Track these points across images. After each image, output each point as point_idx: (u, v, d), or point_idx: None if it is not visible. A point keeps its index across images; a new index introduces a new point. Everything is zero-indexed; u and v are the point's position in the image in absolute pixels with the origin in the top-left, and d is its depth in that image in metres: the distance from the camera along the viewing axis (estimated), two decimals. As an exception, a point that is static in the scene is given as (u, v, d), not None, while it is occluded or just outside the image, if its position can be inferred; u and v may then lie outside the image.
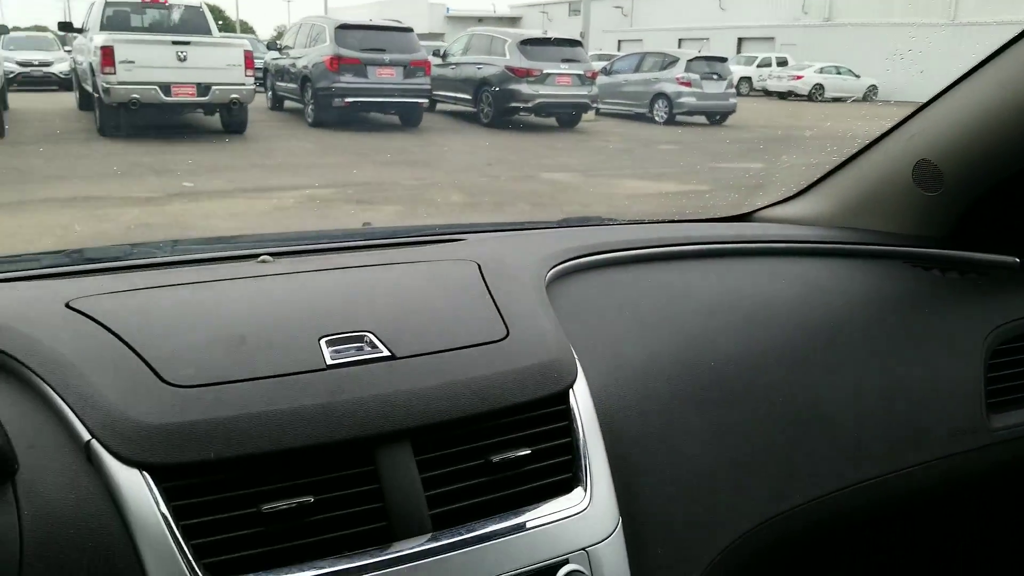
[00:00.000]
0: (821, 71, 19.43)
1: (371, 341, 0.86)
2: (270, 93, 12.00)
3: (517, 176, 8.08)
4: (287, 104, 11.67)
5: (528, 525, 0.79)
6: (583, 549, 0.80)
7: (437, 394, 0.81)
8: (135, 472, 0.70)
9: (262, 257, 1.10)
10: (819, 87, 19.12)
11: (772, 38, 25.44)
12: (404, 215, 6.31)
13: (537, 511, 0.80)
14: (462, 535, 0.76)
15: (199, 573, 0.69)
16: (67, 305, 0.88)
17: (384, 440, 0.77)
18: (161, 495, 0.70)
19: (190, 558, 0.69)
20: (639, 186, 7.78)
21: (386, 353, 0.84)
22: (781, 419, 1.06)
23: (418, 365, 0.84)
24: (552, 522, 0.80)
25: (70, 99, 11.07)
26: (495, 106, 11.44)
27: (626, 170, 8.79)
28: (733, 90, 13.91)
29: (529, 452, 0.82)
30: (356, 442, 0.76)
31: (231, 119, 9.35)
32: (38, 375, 0.78)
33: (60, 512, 0.69)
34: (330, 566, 0.72)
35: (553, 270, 1.11)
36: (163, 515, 0.70)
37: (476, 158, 9.32)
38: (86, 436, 0.72)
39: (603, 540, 0.82)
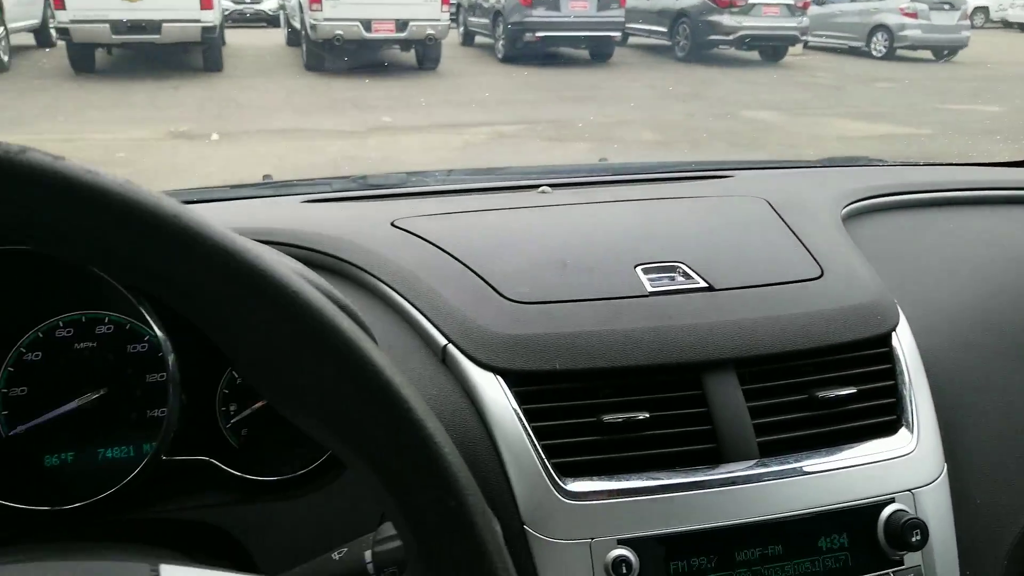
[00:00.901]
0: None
1: (684, 272, 0.89)
2: (462, 28, 12.05)
3: (714, 114, 7.58)
4: (478, 40, 11.69)
5: (854, 462, 0.79)
6: (909, 491, 0.79)
7: (760, 327, 0.82)
8: (489, 375, 0.77)
9: (541, 188, 1.16)
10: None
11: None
12: (594, 153, 6.12)
13: (861, 449, 0.80)
14: (789, 464, 0.77)
15: (551, 470, 0.74)
16: (392, 224, 0.96)
17: (711, 367, 0.79)
18: (516, 397, 0.75)
19: (542, 456, 0.74)
20: (851, 127, 7.05)
21: (703, 284, 0.87)
22: None
23: (738, 297, 0.86)
24: (877, 462, 0.79)
25: (278, 36, 11.70)
26: (692, 39, 10.80)
27: (837, 109, 7.99)
28: (967, 21, 12.26)
29: (854, 391, 0.81)
30: (686, 366, 0.79)
31: (425, 55, 9.51)
32: (387, 284, 0.87)
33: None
34: (666, 478, 0.75)
35: (845, 209, 1.09)
36: (518, 415, 0.75)
37: (670, 94, 8.85)
38: (443, 341, 0.81)
39: (929, 483, 0.81)
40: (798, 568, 0.76)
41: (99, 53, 8.88)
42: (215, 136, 6.39)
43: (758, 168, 1.40)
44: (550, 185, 1.18)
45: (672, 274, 0.89)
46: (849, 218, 1.09)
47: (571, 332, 0.79)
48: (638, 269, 0.89)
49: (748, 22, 10.59)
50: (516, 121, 7.00)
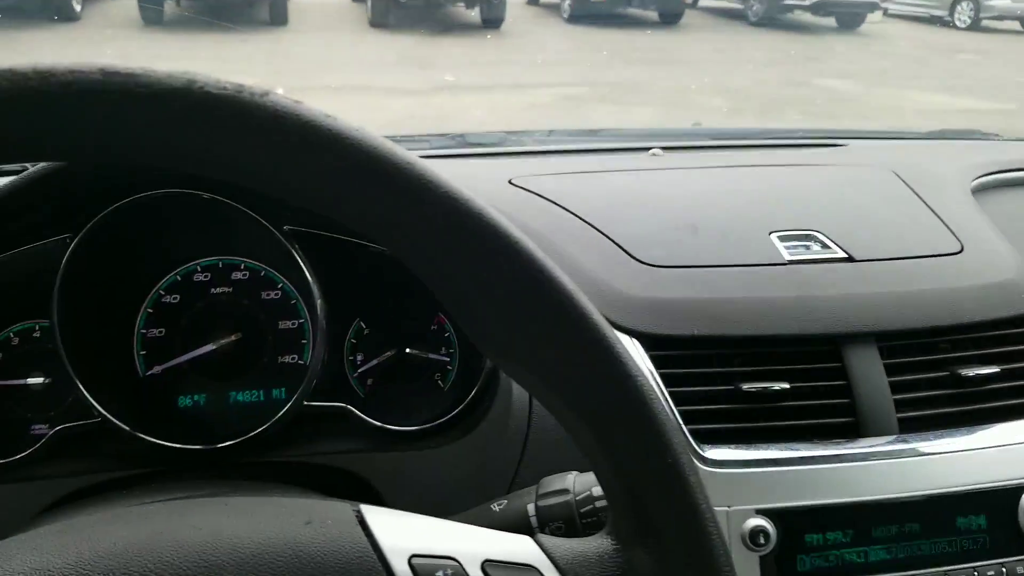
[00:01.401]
0: None
1: (822, 241, 0.88)
2: (528, -13, 11.86)
3: (786, 81, 7.35)
4: (543, -1, 11.49)
5: (995, 443, 0.77)
6: None
7: (903, 301, 0.81)
8: (624, 337, 0.75)
9: (653, 150, 1.15)
10: None
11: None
12: (660, 118, 5.99)
13: (1002, 430, 0.78)
14: (929, 441, 0.76)
15: (687, 436, 0.73)
16: (510, 182, 0.96)
17: (852, 339, 0.78)
18: (651, 361, 0.74)
19: (679, 421, 0.73)
20: (931, 100, 6.76)
21: (842, 254, 0.86)
22: None
23: (878, 269, 0.85)
24: (1019, 443, 0.77)
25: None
26: (766, 3, 10.44)
27: (916, 81, 7.67)
28: (1058, -11, 11.59)
29: (997, 371, 0.80)
30: (826, 337, 0.78)
31: (490, 14, 9.38)
32: None
33: None
34: (805, 450, 0.74)
35: (974, 183, 1.08)
36: (654, 379, 0.74)
37: (741, 59, 8.60)
38: None
39: None
40: (935, 547, 0.74)
41: (168, 5, 8.98)
42: (280, 91, 6.42)
43: (869, 138, 1.39)
44: (662, 148, 1.17)
45: (808, 243, 0.88)
46: (976, 192, 1.08)
47: (710, 298, 0.79)
48: (773, 236, 0.88)
49: (825, -14, 10.21)
50: (580, 83, 6.89)
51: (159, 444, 0.74)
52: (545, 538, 0.41)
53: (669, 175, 1.06)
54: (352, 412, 0.80)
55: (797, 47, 9.57)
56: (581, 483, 0.55)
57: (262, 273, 0.85)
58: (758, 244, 0.87)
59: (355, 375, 0.86)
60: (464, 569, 0.39)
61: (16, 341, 0.83)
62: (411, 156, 0.36)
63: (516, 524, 0.55)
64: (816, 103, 6.46)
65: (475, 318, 0.38)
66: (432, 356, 0.87)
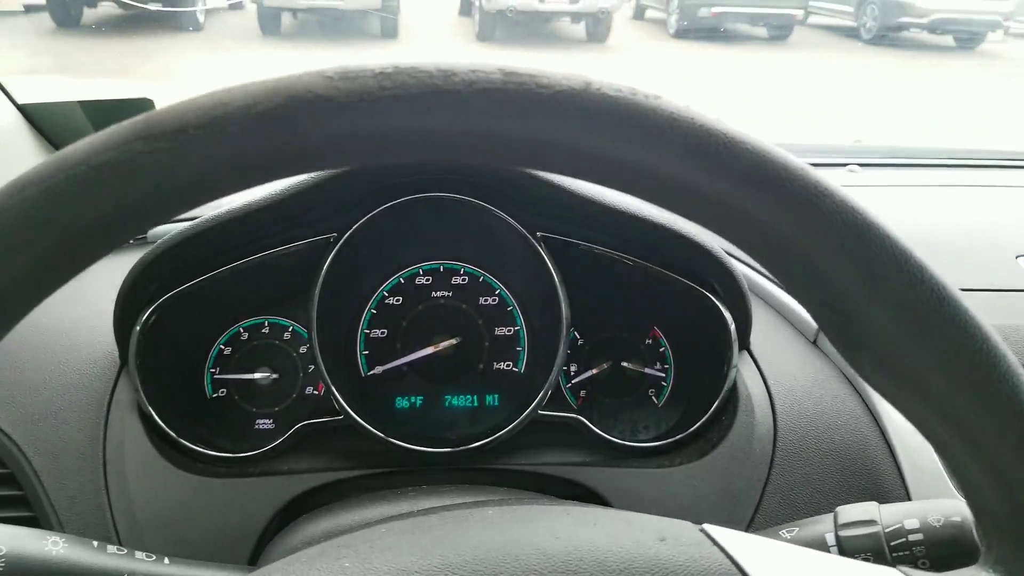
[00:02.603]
0: None
1: None
2: (633, 1, 11.81)
3: (908, 99, 7.07)
4: (648, 14, 11.41)
5: None
6: None
7: None
8: None
9: (850, 167, 1.15)
10: None
11: None
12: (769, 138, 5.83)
13: None
14: None
15: None
16: None
17: None
18: None
19: None
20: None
21: None
22: None
23: None
24: None
25: (453, 5, 11.89)
26: (880, 20, 10.08)
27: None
28: None
29: None
30: None
31: (596, 28, 9.39)
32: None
33: None
34: None
35: None
36: None
37: (853, 79, 8.32)
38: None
39: None
40: None
41: (285, 16, 9.36)
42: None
43: None
44: (859, 164, 1.15)
45: None
46: None
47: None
48: (1020, 260, 0.87)
49: (944, 4, 9.75)
50: (687, 100, 6.80)
51: (400, 445, 0.76)
52: (913, 571, 0.39)
53: (872, 192, 1.04)
54: (583, 424, 0.79)
55: (910, 64, 9.20)
56: (889, 514, 0.53)
57: (480, 279, 0.87)
58: (1004, 267, 0.84)
59: (567, 386, 0.86)
60: None
61: (245, 336, 0.86)
62: (802, 162, 0.35)
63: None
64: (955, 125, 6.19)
65: (866, 333, 0.37)
66: (648, 371, 0.86)
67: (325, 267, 0.76)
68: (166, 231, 0.76)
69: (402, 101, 0.30)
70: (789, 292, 0.37)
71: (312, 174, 0.71)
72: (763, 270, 0.86)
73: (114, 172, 0.29)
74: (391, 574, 0.37)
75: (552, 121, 0.33)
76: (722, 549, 0.39)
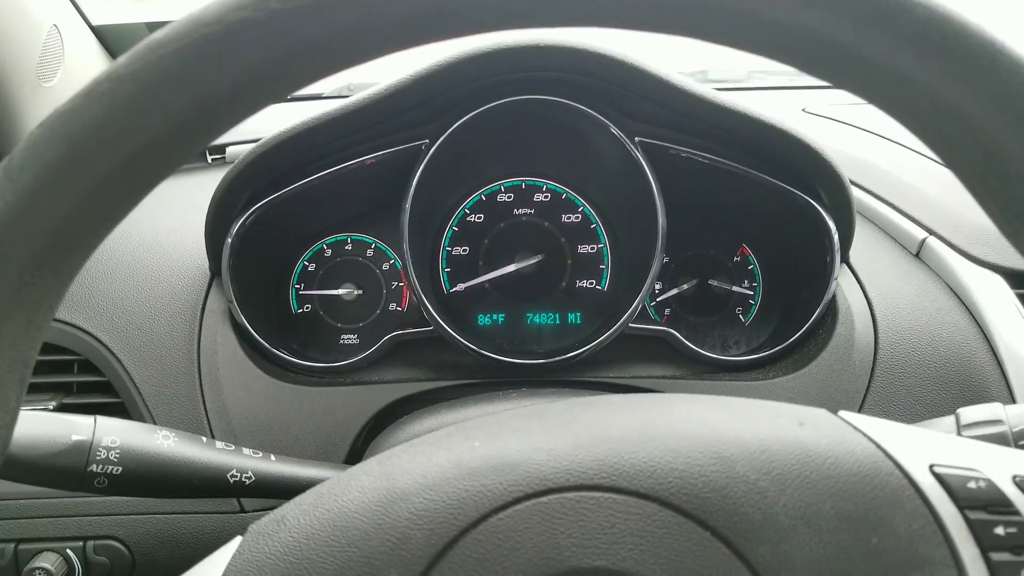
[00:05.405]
0: None
1: None
2: None
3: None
4: None
5: None
6: None
7: None
8: (984, 273, 0.73)
9: None
10: None
11: None
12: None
13: None
14: None
15: None
16: (803, 110, 0.99)
17: None
18: (1018, 299, 0.72)
19: None
20: None
21: None
22: None
23: None
24: None
25: None
26: None
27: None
28: None
29: None
30: None
31: None
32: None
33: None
34: None
35: None
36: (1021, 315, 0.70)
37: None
38: (921, 233, 0.79)
39: None
40: None
41: None
42: None
43: None
44: None
45: None
46: None
47: None
48: None
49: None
50: None
51: (491, 357, 0.75)
52: None
53: None
54: (674, 337, 0.78)
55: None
56: (1015, 414, 0.51)
57: (563, 196, 0.85)
58: None
59: (652, 303, 0.85)
60: (995, 483, 0.36)
61: (328, 253, 0.87)
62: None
63: None
64: None
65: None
66: (736, 289, 0.84)
67: (418, 173, 0.75)
68: (240, 152, 0.76)
69: None
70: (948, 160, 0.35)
71: (410, 73, 0.70)
72: (861, 182, 0.83)
73: (248, 31, 0.28)
74: (523, 452, 0.37)
75: None
76: (864, 434, 0.38)
